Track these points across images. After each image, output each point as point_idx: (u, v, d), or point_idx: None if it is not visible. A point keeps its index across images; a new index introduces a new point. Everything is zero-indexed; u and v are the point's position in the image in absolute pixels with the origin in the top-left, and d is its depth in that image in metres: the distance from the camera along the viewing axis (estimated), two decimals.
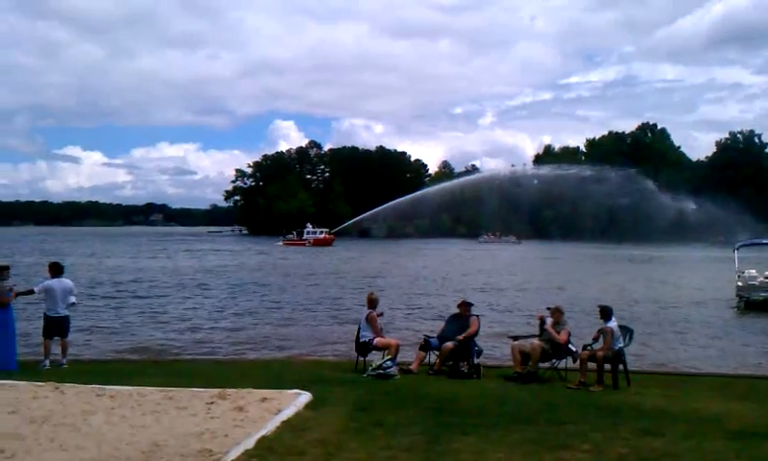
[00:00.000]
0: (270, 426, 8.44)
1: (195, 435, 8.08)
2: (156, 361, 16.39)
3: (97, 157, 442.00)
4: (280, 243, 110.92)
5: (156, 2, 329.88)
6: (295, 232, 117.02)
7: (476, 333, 14.01)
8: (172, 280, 43.27)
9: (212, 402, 9.71)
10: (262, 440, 7.84)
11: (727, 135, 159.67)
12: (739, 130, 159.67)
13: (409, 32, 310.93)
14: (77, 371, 13.16)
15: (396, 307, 28.94)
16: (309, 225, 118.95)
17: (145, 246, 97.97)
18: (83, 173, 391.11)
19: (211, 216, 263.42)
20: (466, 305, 14.52)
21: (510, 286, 42.56)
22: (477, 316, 14.52)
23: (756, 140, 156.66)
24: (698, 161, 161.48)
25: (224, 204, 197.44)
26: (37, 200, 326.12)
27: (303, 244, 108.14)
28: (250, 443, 7.70)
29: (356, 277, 48.58)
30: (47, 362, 13.83)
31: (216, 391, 10.33)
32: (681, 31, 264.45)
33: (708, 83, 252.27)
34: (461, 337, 13.76)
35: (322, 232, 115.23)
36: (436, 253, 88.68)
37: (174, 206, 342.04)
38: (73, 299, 14.62)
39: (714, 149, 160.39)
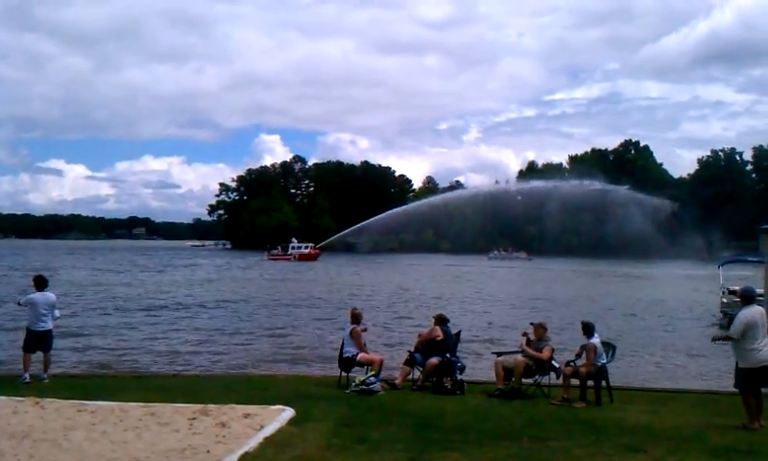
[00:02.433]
0: (252, 443, 8.41)
1: (177, 451, 8.03)
2: (138, 376, 16.27)
3: (80, 170, 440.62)
4: (265, 257, 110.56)
5: (144, 16, 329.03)
6: (279, 247, 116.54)
7: (445, 344, 13.93)
8: (156, 295, 43.01)
9: (194, 418, 9.66)
10: (245, 456, 7.83)
11: (709, 153, 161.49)
12: (721, 147, 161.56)
13: (396, 47, 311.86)
14: (58, 385, 13.04)
15: (380, 323, 28.91)
16: (294, 239, 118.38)
17: (128, 260, 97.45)
18: (66, 186, 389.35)
19: (194, 230, 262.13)
20: (438, 320, 14.49)
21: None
22: (448, 330, 14.44)
23: (738, 158, 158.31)
24: (680, 179, 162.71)
25: (207, 217, 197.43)
26: (19, 212, 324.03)
27: (288, 259, 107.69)
28: (232, 459, 7.69)
29: (347, 293, 48.43)
30: (26, 376, 13.66)
31: (198, 407, 10.28)
32: (666, 49, 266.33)
33: (692, 100, 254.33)
34: (420, 335, 14.37)
35: (307, 247, 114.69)
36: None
37: (157, 220, 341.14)
38: (57, 313, 14.50)
39: (696, 166, 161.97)
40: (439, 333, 14.07)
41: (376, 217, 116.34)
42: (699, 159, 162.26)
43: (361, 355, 13.76)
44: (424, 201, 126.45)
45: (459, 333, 14.90)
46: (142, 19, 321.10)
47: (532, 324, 14.22)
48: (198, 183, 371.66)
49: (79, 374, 17.03)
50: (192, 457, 7.82)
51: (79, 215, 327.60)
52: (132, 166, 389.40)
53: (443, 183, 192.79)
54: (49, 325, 14.15)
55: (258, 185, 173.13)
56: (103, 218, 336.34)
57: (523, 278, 73.02)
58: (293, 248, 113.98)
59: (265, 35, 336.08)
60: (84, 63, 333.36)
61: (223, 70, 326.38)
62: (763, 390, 10.91)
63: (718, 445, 9.32)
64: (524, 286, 58.07)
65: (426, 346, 14.16)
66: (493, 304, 41.22)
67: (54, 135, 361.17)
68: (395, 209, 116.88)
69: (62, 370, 16.95)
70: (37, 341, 13.98)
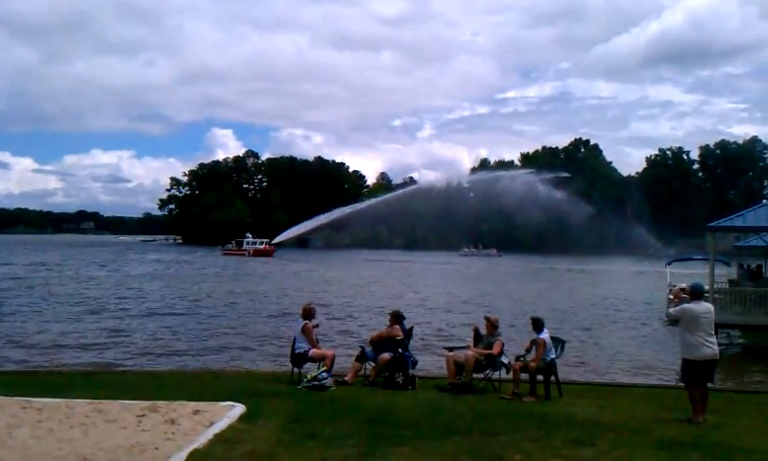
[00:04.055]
0: (202, 439, 8.33)
1: (125, 449, 7.92)
2: (85, 373, 16.00)
3: (27, 163, 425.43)
4: (219, 253, 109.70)
5: (94, 7, 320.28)
6: (234, 242, 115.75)
7: (401, 341, 13.94)
8: (105, 292, 42.38)
9: (143, 415, 9.53)
10: (194, 453, 7.75)
11: (657, 152, 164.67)
12: (669, 146, 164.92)
13: (350, 43, 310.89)
14: (2, 383, 12.75)
15: (333, 319, 28.91)
16: (249, 235, 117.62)
17: (78, 255, 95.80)
18: (12, 179, 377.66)
19: (144, 225, 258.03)
20: (395, 317, 14.48)
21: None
22: (404, 327, 14.44)
23: (685, 157, 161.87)
24: (629, 177, 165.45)
25: (158, 212, 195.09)
26: None
27: (243, 254, 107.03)
28: (181, 456, 7.60)
29: (302, 288, 48.26)
30: None
31: (147, 403, 10.15)
32: (616, 49, 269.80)
33: (641, 100, 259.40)
34: (370, 339, 14.46)
35: (262, 243, 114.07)
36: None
37: (106, 214, 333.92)
38: None
39: (645, 165, 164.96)
40: (399, 333, 14.02)
41: (353, 209, 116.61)
42: (647, 158, 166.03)
43: (313, 351, 13.69)
44: (383, 198, 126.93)
45: (411, 329, 14.92)
46: (91, 10, 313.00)
47: (485, 318, 14.32)
48: (148, 178, 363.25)
49: (24, 370, 16.69)
50: (140, 454, 7.72)
51: (26, 209, 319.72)
52: (80, 160, 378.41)
53: (396, 180, 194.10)
54: None
55: (210, 180, 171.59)
56: (50, 212, 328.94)
57: (491, 274, 73.35)
58: (247, 243, 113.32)
59: (217, 28, 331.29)
60: (30, 54, 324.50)
61: (174, 63, 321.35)
62: (708, 385, 11.16)
63: (663, 438, 9.50)
64: (492, 283, 58.42)
65: (379, 341, 14.17)
66: (453, 300, 41.45)
67: None
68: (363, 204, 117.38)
69: (7, 367, 16.61)
70: None
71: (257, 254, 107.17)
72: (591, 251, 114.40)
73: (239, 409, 10.08)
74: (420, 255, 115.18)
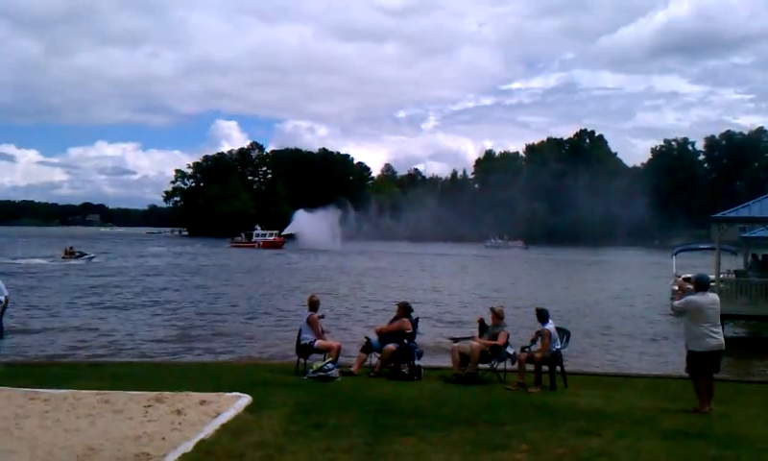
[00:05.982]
0: (208, 430, 8.35)
1: (132, 439, 7.95)
2: (92, 364, 16.04)
3: (33, 155, 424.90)
4: (227, 245, 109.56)
5: None
6: (243, 234, 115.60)
7: (408, 333, 13.93)
8: (111, 282, 42.46)
9: (150, 406, 9.56)
10: (201, 443, 7.77)
11: (662, 143, 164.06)
12: (674, 137, 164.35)
13: (355, 34, 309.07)
14: (9, 374, 12.76)
15: (339, 310, 28.92)
16: (258, 227, 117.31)
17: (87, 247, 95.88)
18: (18, 171, 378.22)
19: (150, 217, 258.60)
20: (403, 309, 14.50)
21: None
22: (412, 319, 14.46)
23: (690, 148, 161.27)
24: (634, 168, 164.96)
25: (163, 204, 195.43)
26: None
27: (253, 246, 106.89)
28: (188, 446, 7.62)
29: (305, 278, 48.32)
30: None
31: (154, 394, 10.18)
32: (623, 39, 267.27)
33: (647, 90, 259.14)
34: (379, 329, 14.44)
35: (272, 235, 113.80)
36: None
37: (111, 207, 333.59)
38: (2, 297, 14.03)
39: (650, 156, 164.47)
40: (408, 326, 14.03)
41: None
42: (653, 149, 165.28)
43: (318, 342, 13.72)
44: None
45: (417, 320, 14.94)
46: (95, 1, 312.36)
47: (491, 308, 14.33)
48: (153, 170, 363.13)
49: (31, 362, 16.74)
50: (147, 444, 7.74)
51: (32, 202, 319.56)
52: (85, 152, 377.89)
53: (401, 171, 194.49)
54: None
55: (215, 172, 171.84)
56: (56, 204, 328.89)
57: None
58: (257, 235, 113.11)
59: (221, 19, 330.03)
60: (35, 47, 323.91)
61: (178, 55, 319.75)
62: (714, 375, 11.14)
63: (669, 428, 9.51)
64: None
65: (387, 332, 14.18)
66: (463, 291, 41.43)
67: (4, 120, 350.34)
68: None
69: (14, 358, 16.65)
70: None
71: (267, 245, 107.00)
72: (598, 242, 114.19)
73: (245, 400, 10.11)
74: (445, 247, 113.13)
